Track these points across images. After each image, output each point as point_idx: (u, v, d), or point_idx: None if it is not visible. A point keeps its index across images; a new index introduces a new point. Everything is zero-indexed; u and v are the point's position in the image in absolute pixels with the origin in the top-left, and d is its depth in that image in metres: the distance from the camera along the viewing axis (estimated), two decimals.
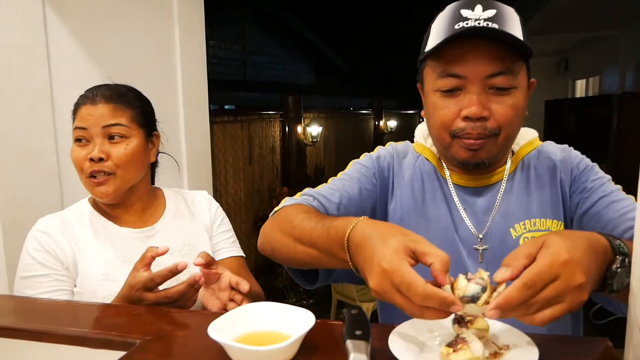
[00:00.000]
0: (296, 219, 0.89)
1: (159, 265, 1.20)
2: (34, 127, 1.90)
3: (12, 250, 1.75)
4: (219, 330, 0.68)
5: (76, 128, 1.17)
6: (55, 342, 0.78)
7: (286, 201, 1.01)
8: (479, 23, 0.88)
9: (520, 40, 0.89)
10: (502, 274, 0.64)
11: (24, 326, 0.82)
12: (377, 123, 8.72)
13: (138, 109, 1.22)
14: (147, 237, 1.24)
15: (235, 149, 4.59)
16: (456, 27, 0.89)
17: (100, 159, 1.14)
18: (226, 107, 8.30)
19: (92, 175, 1.16)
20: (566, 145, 1.09)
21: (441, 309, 0.62)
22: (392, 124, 9.10)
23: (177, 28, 2.61)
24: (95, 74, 2.20)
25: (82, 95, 1.21)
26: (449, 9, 0.95)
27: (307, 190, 1.05)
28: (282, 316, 0.74)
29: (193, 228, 1.31)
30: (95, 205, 1.26)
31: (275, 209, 1.00)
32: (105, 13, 2.25)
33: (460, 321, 0.68)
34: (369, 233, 0.71)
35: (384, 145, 1.18)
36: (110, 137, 1.16)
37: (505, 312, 0.61)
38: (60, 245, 1.17)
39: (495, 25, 0.88)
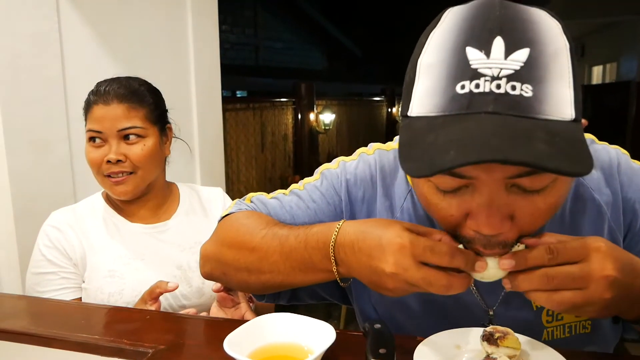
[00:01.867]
0: (254, 239, 0.73)
1: (170, 260, 1.18)
2: (47, 116, 1.88)
3: (25, 239, 1.74)
4: (236, 344, 0.64)
5: (90, 130, 1.15)
6: (65, 348, 0.76)
7: (233, 207, 0.85)
8: (498, 87, 0.54)
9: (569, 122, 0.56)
10: (526, 238, 0.60)
11: (33, 330, 0.79)
12: (389, 110, 8.63)
13: (151, 105, 1.19)
14: (158, 233, 1.22)
15: (248, 137, 4.56)
16: (459, 89, 0.56)
17: (118, 161, 1.12)
18: (238, 92, 8.26)
19: (107, 175, 1.14)
20: (614, 161, 0.77)
21: (466, 269, 0.59)
22: None
23: (190, 13, 2.56)
24: (107, 60, 2.17)
25: (92, 92, 1.17)
26: (450, 39, 0.58)
27: (257, 198, 0.86)
28: (301, 328, 0.70)
29: (205, 226, 1.28)
30: (109, 200, 1.24)
31: (222, 214, 0.85)
32: None
33: (489, 338, 0.65)
34: (363, 229, 0.65)
35: (391, 138, 0.86)
36: (126, 137, 1.14)
37: (519, 267, 0.57)
38: (70, 241, 1.16)
39: (528, 89, 0.54)
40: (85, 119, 1.18)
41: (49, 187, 1.91)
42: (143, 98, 1.18)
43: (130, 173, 1.14)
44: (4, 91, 1.72)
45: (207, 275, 0.83)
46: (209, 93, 2.68)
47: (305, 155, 5.42)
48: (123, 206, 1.22)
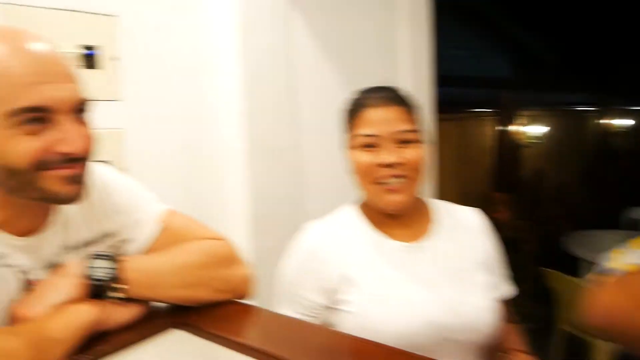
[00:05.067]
0: None
1: (437, 285, 1.06)
2: (278, 125, 1.95)
3: (260, 240, 1.86)
4: None
5: (363, 135, 1.08)
6: None
7: (628, 255, 0.74)
8: None
9: None
10: None
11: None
12: (602, 121, 7.66)
13: (418, 113, 1.13)
14: (419, 252, 1.10)
15: (447, 150, 4.38)
16: None
17: (396, 165, 1.05)
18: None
19: (380, 182, 1.06)
20: None
21: None
22: (623, 122, 7.85)
23: (403, 23, 2.52)
24: (330, 70, 2.19)
25: (360, 97, 1.13)
26: None
27: None
28: None
29: (468, 249, 1.14)
30: (366, 214, 1.15)
31: (620, 268, 0.74)
32: (341, 7, 2.23)
33: None
34: None
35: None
36: (401, 142, 1.07)
37: None
38: (329, 265, 1.08)
39: None
40: (351, 126, 1.12)
41: (281, 191, 1.97)
42: (413, 104, 1.12)
43: (405, 179, 1.06)
44: (248, 103, 1.82)
45: (598, 328, 0.74)
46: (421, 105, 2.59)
47: (508, 171, 5.03)
48: (383, 221, 1.13)
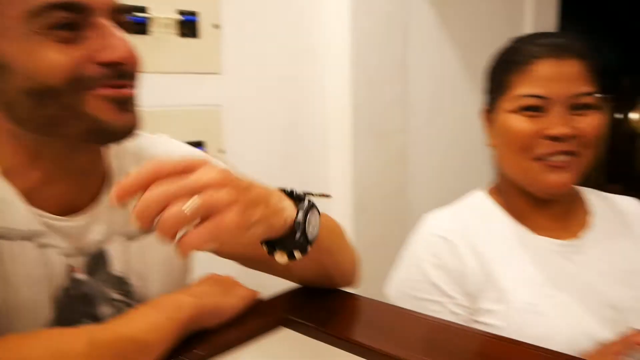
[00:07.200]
0: None
1: (595, 294, 0.84)
2: (388, 103, 1.77)
3: (361, 231, 1.70)
4: None
5: (528, 96, 0.83)
6: None
7: None
8: None
9: None
10: None
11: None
12: None
13: (596, 70, 0.85)
14: (572, 253, 0.87)
15: None
16: None
17: (568, 137, 0.80)
18: None
19: (542, 158, 0.82)
20: None
21: None
22: None
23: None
24: (448, 46, 2.00)
25: (525, 45, 0.87)
26: None
27: None
28: None
29: (631, 247, 0.90)
30: (500, 202, 0.93)
31: None
32: None
33: None
34: None
35: None
36: (575, 108, 0.82)
37: None
38: (466, 262, 0.87)
39: None
40: (507, 82, 0.87)
41: (384, 179, 1.80)
42: (594, 57, 0.86)
43: (575, 155, 0.82)
44: (355, 73, 1.64)
45: None
46: None
47: (623, 161, 4.53)
48: (526, 211, 0.91)
